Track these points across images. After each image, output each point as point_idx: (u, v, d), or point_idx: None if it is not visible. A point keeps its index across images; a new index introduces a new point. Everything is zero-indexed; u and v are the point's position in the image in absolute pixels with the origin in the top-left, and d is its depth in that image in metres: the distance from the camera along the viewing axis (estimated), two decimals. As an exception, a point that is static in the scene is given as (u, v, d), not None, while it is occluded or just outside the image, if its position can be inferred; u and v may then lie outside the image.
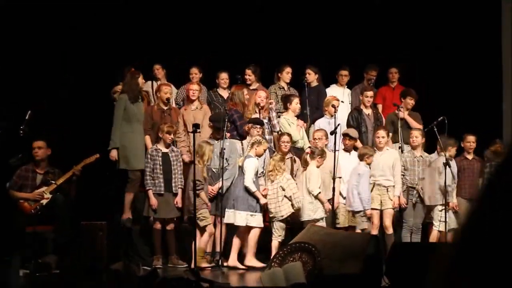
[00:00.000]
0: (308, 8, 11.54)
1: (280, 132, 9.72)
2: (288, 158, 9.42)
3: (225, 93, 10.38)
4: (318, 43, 11.31)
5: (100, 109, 10.09)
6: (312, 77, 10.64)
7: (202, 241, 9.02)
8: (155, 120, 9.63)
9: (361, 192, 9.21)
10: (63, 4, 10.75)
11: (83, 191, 8.91)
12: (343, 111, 10.27)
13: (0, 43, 10.42)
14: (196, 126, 8.71)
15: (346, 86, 10.97)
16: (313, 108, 10.35)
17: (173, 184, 9.19)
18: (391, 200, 9.39)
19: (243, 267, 8.95)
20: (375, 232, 9.23)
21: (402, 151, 9.81)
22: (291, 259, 7.51)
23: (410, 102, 10.34)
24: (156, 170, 9.15)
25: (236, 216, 8.95)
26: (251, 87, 10.44)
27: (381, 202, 9.39)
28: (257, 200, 8.99)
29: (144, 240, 9.41)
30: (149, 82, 10.49)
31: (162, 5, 11.29)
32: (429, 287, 1.16)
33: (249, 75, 10.48)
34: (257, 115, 9.77)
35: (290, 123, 9.85)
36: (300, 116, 10.15)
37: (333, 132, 9.09)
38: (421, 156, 9.65)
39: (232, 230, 9.19)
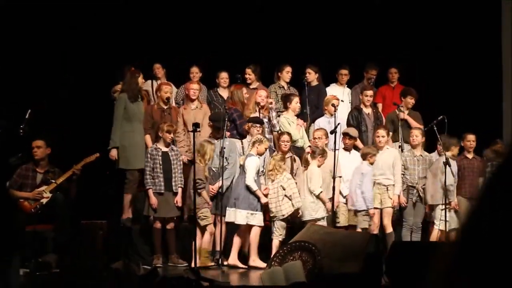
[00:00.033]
0: (308, 8, 11.55)
1: (280, 132, 9.72)
2: (288, 157, 9.42)
3: (225, 93, 10.38)
4: (318, 43, 11.32)
5: (100, 109, 10.09)
6: (312, 76, 10.64)
7: (204, 242, 9.02)
8: (155, 119, 9.63)
9: (364, 192, 9.21)
10: (63, 4, 10.75)
11: (83, 190, 8.91)
12: (343, 110, 10.27)
13: (0, 43, 10.42)
14: (196, 126, 8.73)
15: (346, 85, 10.97)
16: (313, 108, 10.36)
17: (173, 183, 9.19)
18: (391, 199, 9.39)
19: (243, 266, 8.96)
20: (375, 231, 9.23)
21: (402, 150, 9.81)
22: (291, 258, 7.51)
23: (411, 101, 10.34)
24: (156, 169, 9.15)
25: (236, 215, 8.96)
26: (251, 86, 10.45)
27: (381, 201, 9.40)
28: (258, 199, 8.99)
29: (144, 239, 9.41)
30: (149, 81, 10.50)
31: (162, 5, 11.30)
32: (429, 287, 1.15)
33: (249, 74, 10.48)
34: (256, 114, 9.77)
35: (290, 122, 9.85)
36: (300, 115, 10.16)
37: (333, 131, 9.10)
38: (421, 155, 9.65)
39: (232, 229, 9.19)
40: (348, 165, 9.50)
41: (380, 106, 10.86)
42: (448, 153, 9.60)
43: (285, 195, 9.06)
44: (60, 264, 7.63)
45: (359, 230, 9.17)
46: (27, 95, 10.00)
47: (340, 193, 9.47)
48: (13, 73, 10.39)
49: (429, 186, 9.53)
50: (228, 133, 9.33)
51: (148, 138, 9.62)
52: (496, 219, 1.09)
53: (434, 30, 11.58)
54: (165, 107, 9.73)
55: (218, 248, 8.98)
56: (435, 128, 9.62)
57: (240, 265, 8.95)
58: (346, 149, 9.62)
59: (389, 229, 9.32)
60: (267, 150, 9.35)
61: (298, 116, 10.09)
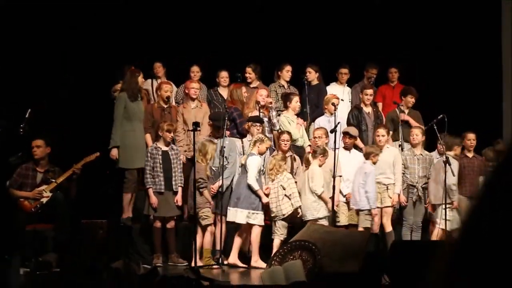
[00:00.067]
0: (308, 7, 11.55)
1: (280, 131, 9.72)
2: (288, 157, 9.42)
3: (225, 92, 10.38)
4: (318, 42, 11.32)
5: (100, 108, 10.09)
6: (312, 75, 10.65)
7: (206, 242, 9.02)
8: (155, 118, 9.63)
9: (368, 191, 9.21)
10: (63, 4, 10.75)
11: (83, 190, 8.90)
12: (343, 110, 10.27)
13: (0, 43, 10.42)
14: (196, 125, 8.73)
15: (346, 84, 10.98)
16: (313, 107, 10.36)
17: (173, 183, 9.19)
18: (390, 198, 9.39)
19: (243, 265, 8.96)
20: (376, 230, 9.23)
21: (402, 149, 9.81)
22: (291, 257, 7.51)
23: (411, 100, 10.35)
24: (156, 169, 9.14)
25: (237, 214, 8.96)
26: (251, 86, 10.45)
27: (380, 200, 9.40)
28: (259, 198, 8.99)
29: (144, 238, 9.41)
30: (149, 80, 10.50)
31: (162, 4, 11.30)
32: (429, 287, 1.15)
33: (250, 74, 10.48)
34: (256, 113, 9.78)
35: (290, 121, 9.85)
36: (300, 114, 10.16)
37: (333, 131, 9.10)
38: (421, 154, 9.65)
39: (232, 228, 9.20)
40: (348, 164, 9.50)
41: (380, 105, 10.87)
42: (451, 153, 9.61)
43: (285, 195, 9.06)
44: (60, 263, 7.61)
45: (360, 229, 9.15)
46: (27, 95, 10.00)
47: (340, 192, 9.47)
48: (13, 73, 10.39)
49: (432, 185, 9.54)
50: (228, 133, 9.33)
51: (148, 137, 9.63)
52: (496, 219, 1.09)
53: (434, 30, 11.59)
54: (165, 106, 9.73)
55: (218, 248, 8.98)
56: (435, 127, 9.63)
57: (240, 264, 8.95)
58: (346, 148, 9.62)
59: (389, 228, 9.32)
60: (268, 149, 9.35)
61: (298, 115, 10.09)
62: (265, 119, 9.78)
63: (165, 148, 9.23)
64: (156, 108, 9.72)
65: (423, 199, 9.66)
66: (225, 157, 9.09)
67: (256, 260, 8.93)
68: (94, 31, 10.83)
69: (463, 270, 1.09)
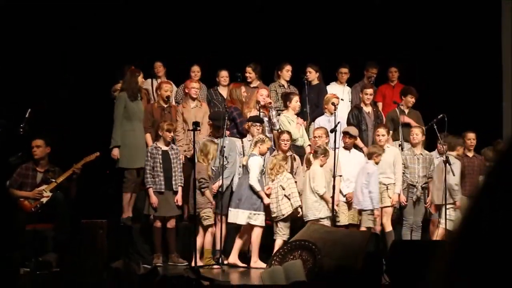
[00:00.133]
0: (308, 7, 11.55)
1: (279, 130, 9.72)
2: (288, 156, 9.41)
3: (225, 91, 10.39)
4: (318, 41, 11.32)
5: (100, 108, 10.10)
6: (313, 75, 10.65)
7: (206, 242, 9.02)
8: (155, 118, 9.64)
9: (372, 191, 9.21)
10: (63, 4, 10.75)
11: (83, 189, 8.90)
12: (343, 109, 10.28)
13: (0, 43, 10.42)
14: (196, 124, 8.74)
15: (346, 84, 10.99)
16: (313, 106, 10.36)
17: (173, 182, 9.20)
18: (390, 198, 9.39)
19: (243, 265, 8.95)
20: (378, 230, 9.23)
21: (402, 149, 9.81)
22: (291, 257, 7.51)
23: (411, 100, 10.35)
24: (156, 168, 9.14)
25: (238, 215, 8.96)
26: (251, 85, 10.45)
27: (381, 200, 9.40)
28: (261, 199, 8.99)
29: (144, 238, 9.41)
30: (149, 80, 10.50)
31: (162, 4, 11.30)
32: (429, 287, 1.15)
33: (250, 73, 10.48)
34: (255, 113, 9.79)
35: (290, 121, 9.86)
36: (300, 114, 10.16)
37: (333, 130, 9.09)
38: (421, 153, 9.65)
39: (233, 228, 9.20)
40: (348, 164, 9.50)
41: (380, 105, 10.87)
42: (453, 153, 9.62)
43: (285, 195, 9.06)
44: (60, 263, 7.62)
45: (363, 229, 9.13)
46: (27, 95, 9.99)
47: (340, 192, 9.46)
48: (13, 73, 10.38)
49: (435, 186, 9.53)
50: (227, 132, 9.33)
51: (148, 137, 9.63)
52: (495, 218, 1.09)
53: (434, 30, 11.59)
54: (165, 106, 9.74)
55: (218, 247, 8.98)
56: (435, 127, 9.63)
57: (240, 264, 8.95)
58: (346, 148, 9.61)
59: (389, 228, 9.32)
60: (268, 149, 9.35)
61: (298, 115, 10.10)
62: (265, 119, 9.78)
63: (165, 148, 9.23)
64: (156, 107, 9.73)
65: (423, 199, 9.66)
66: (225, 157, 9.09)
67: (255, 261, 8.93)
68: (94, 31, 10.83)
69: (463, 270, 1.09)
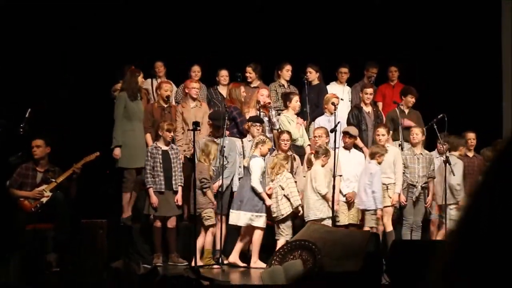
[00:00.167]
0: (309, 6, 11.56)
1: (279, 130, 9.73)
2: (289, 156, 9.41)
3: (224, 91, 10.39)
4: (318, 41, 11.33)
5: (100, 108, 10.10)
6: (313, 75, 10.66)
7: (207, 242, 9.01)
8: (155, 117, 9.64)
9: (375, 191, 9.21)
10: (63, 4, 10.75)
11: (83, 189, 8.90)
12: (343, 109, 10.28)
13: (0, 43, 10.42)
14: (196, 124, 8.74)
15: (346, 84, 10.99)
16: (313, 106, 10.37)
17: (173, 182, 9.20)
18: (390, 198, 9.39)
19: (244, 264, 8.95)
20: (381, 230, 9.23)
21: (402, 149, 9.81)
22: (291, 257, 7.51)
23: (411, 100, 10.34)
24: (157, 168, 9.15)
25: (240, 217, 8.95)
26: (252, 85, 10.46)
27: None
28: (263, 201, 8.99)
29: (144, 238, 9.41)
30: (149, 80, 10.50)
31: (162, 4, 11.30)
32: (429, 287, 1.15)
33: (250, 73, 10.49)
34: (254, 113, 9.79)
35: (290, 121, 9.86)
36: (300, 114, 10.17)
37: (333, 130, 9.09)
38: (421, 153, 9.65)
39: (233, 228, 9.20)
40: (348, 163, 9.50)
41: (380, 105, 10.87)
42: (455, 153, 9.63)
43: (284, 195, 9.06)
44: (60, 263, 7.63)
45: (367, 229, 9.12)
46: (27, 95, 9.99)
47: (340, 192, 9.46)
48: (13, 73, 10.38)
49: (439, 186, 9.54)
50: (227, 132, 9.33)
51: (148, 137, 9.63)
52: (494, 217, 1.09)
53: (434, 30, 11.59)
54: (165, 106, 9.74)
55: (218, 247, 8.98)
56: (435, 127, 9.63)
57: (240, 263, 8.95)
58: (346, 147, 9.61)
59: (389, 227, 9.31)
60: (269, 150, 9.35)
61: (298, 114, 10.10)
62: (265, 119, 9.79)
63: (165, 148, 9.23)
64: (156, 107, 9.73)
65: (423, 199, 9.66)
66: (225, 156, 9.09)
67: (255, 261, 8.93)
68: (94, 31, 10.83)
69: (463, 270, 1.09)
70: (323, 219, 9.02)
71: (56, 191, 8.63)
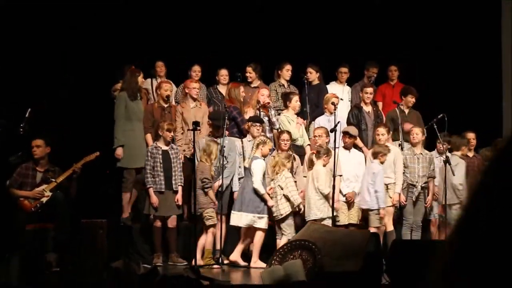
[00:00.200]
0: (309, 6, 11.56)
1: (279, 130, 9.73)
2: (290, 155, 9.41)
3: (224, 90, 10.39)
4: (318, 41, 11.33)
5: (100, 108, 10.10)
6: (313, 76, 10.66)
7: (207, 242, 9.01)
8: (155, 117, 9.64)
9: (378, 191, 9.21)
10: (63, 4, 10.75)
11: (83, 189, 8.90)
12: (343, 109, 10.28)
13: (0, 43, 10.41)
14: (196, 124, 8.74)
15: (345, 84, 10.99)
16: (313, 106, 10.37)
17: (173, 182, 9.20)
18: (391, 197, 9.39)
19: (244, 263, 8.95)
20: (384, 230, 9.24)
21: (402, 149, 9.81)
22: (291, 256, 7.51)
23: (411, 100, 10.34)
24: (157, 168, 9.15)
25: (242, 218, 8.95)
26: (252, 85, 10.47)
27: (381, 199, 9.41)
28: (265, 202, 8.99)
29: (144, 238, 9.41)
30: (149, 80, 10.50)
31: (162, 4, 11.30)
32: (429, 287, 1.15)
33: (250, 73, 10.50)
34: (253, 113, 9.79)
35: (289, 120, 9.86)
36: (300, 114, 10.17)
37: (333, 130, 9.09)
38: (421, 153, 9.65)
39: (233, 228, 9.20)
40: (348, 163, 9.50)
41: (380, 104, 10.87)
42: (458, 153, 9.62)
43: (283, 195, 9.06)
44: (60, 263, 7.62)
45: (373, 229, 9.12)
46: (27, 95, 9.99)
47: (340, 191, 9.46)
48: (13, 73, 10.38)
49: (442, 186, 9.53)
50: (226, 132, 9.33)
51: (149, 137, 9.63)
52: (493, 217, 1.09)
53: (434, 30, 11.59)
54: (165, 106, 9.74)
55: (218, 247, 8.98)
56: (435, 127, 9.63)
57: (242, 262, 8.94)
58: (346, 147, 9.61)
59: (390, 227, 9.32)
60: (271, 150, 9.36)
61: (298, 114, 10.10)
62: (265, 119, 9.79)
63: (165, 148, 9.23)
64: (156, 107, 9.73)
65: (423, 199, 9.66)
66: (225, 156, 9.09)
67: (255, 261, 8.93)
68: (94, 31, 10.82)
69: (463, 270, 1.09)
70: (324, 218, 9.02)
71: (56, 191, 8.63)
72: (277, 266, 7.37)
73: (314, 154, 9.29)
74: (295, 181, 9.28)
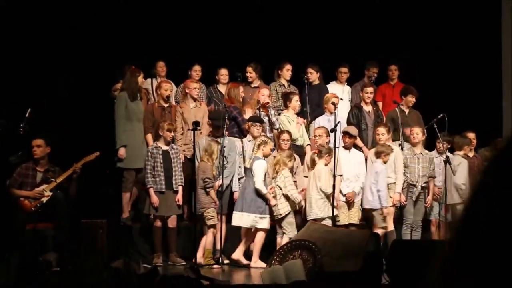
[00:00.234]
0: (309, 6, 11.56)
1: (279, 130, 9.73)
2: (292, 154, 9.41)
3: (224, 89, 10.40)
4: (318, 41, 11.33)
5: (100, 108, 10.10)
6: (314, 76, 10.67)
7: (208, 242, 9.01)
8: (155, 117, 9.64)
9: (380, 190, 9.21)
10: (63, 4, 10.75)
11: (83, 189, 8.91)
12: (343, 109, 10.28)
13: (0, 43, 10.41)
14: (197, 124, 8.75)
15: (345, 83, 10.99)
16: (314, 106, 10.37)
17: (173, 182, 9.20)
18: (391, 197, 9.39)
19: (247, 262, 8.95)
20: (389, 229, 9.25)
21: (402, 149, 9.81)
22: (292, 256, 7.51)
23: (411, 100, 10.33)
24: (157, 168, 9.15)
25: (243, 218, 8.95)
26: (252, 85, 10.47)
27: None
28: (266, 202, 8.99)
29: (144, 238, 9.42)
30: (149, 80, 10.49)
31: (162, 4, 11.30)
32: (429, 287, 1.15)
33: (250, 73, 10.50)
34: (253, 113, 9.79)
35: (290, 120, 9.87)
36: (300, 113, 10.17)
37: (333, 130, 9.10)
38: (421, 153, 9.65)
39: (234, 228, 9.20)
40: (348, 163, 9.50)
41: (380, 104, 10.87)
42: (460, 152, 9.61)
43: (283, 194, 9.07)
44: (60, 262, 7.61)
45: (379, 229, 9.13)
46: (27, 95, 9.99)
47: (340, 191, 9.46)
48: (13, 73, 10.38)
49: (445, 186, 9.53)
50: (226, 132, 9.33)
51: (149, 137, 9.62)
52: (493, 217, 1.09)
53: (434, 30, 11.59)
54: (166, 106, 9.74)
55: (218, 247, 8.98)
56: (435, 126, 9.63)
57: (244, 261, 8.94)
58: (346, 147, 9.62)
59: (391, 227, 9.32)
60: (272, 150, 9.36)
61: (298, 114, 10.10)
62: (265, 119, 9.79)
63: (165, 148, 9.23)
64: (157, 107, 9.73)
65: (423, 199, 9.66)
66: (225, 156, 9.09)
67: (255, 261, 8.93)
68: (94, 31, 10.82)
69: (463, 270, 1.09)
70: (324, 218, 9.03)
71: (56, 190, 8.64)
72: (277, 266, 7.37)
73: (316, 154, 9.29)
74: (295, 181, 9.28)
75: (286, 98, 10.11)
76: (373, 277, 6.91)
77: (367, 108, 10.29)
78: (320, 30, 11.46)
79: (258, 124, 9.45)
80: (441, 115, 9.72)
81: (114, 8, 10.95)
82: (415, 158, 9.60)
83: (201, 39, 11.20)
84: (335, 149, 9.12)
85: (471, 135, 9.98)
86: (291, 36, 11.30)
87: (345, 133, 9.57)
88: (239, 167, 9.44)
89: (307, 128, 10.18)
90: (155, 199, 9.08)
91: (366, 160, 9.71)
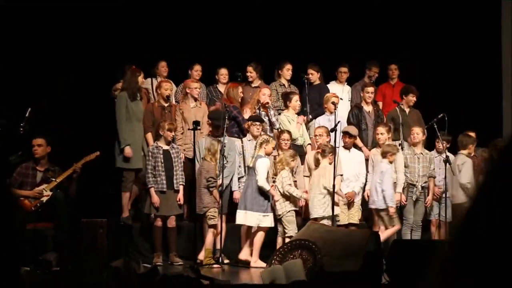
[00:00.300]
0: (309, 6, 11.56)
1: (280, 130, 9.73)
2: (296, 153, 9.41)
3: (224, 89, 10.39)
4: (318, 41, 11.33)
5: (100, 108, 10.10)
6: (314, 76, 10.68)
7: (208, 242, 9.01)
8: (156, 117, 9.64)
9: (385, 190, 9.21)
10: (63, 4, 10.75)
11: (83, 189, 8.91)
12: (343, 109, 10.28)
13: (0, 43, 10.42)
14: (197, 124, 8.74)
15: (345, 83, 10.99)
16: (314, 106, 10.38)
17: (174, 181, 9.20)
18: (392, 197, 9.40)
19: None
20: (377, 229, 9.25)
21: (402, 148, 9.81)
22: (292, 256, 7.51)
23: (412, 99, 10.33)
24: (158, 168, 9.15)
25: (247, 217, 8.95)
26: (252, 85, 10.48)
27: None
28: (269, 199, 8.99)
29: (144, 237, 9.41)
30: (149, 79, 10.49)
31: (162, 4, 11.30)
32: (429, 287, 1.15)
33: (251, 72, 10.51)
34: (252, 113, 9.79)
35: (290, 120, 9.87)
36: (300, 113, 10.17)
37: (333, 130, 9.10)
38: (422, 153, 9.65)
39: (234, 228, 9.21)
40: (348, 163, 9.50)
41: (380, 104, 10.87)
42: (464, 151, 9.62)
43: (282, 194, 9.07)
44: (60, 262, 7.61)
45: (391, 230, 9.14)
46: (27, 95, 10.00)
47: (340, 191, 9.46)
48: (13, 73, 10.38)
49: (449, 185, 9.53)
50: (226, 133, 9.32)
51: (149, 136, 9.62)
52: (493, 217, 1.09)
53: (434, 30, 11.59)
54: (166, 105, 9.74)
55: (218, 247, 8.98)
56: (435, 126, 9.63)
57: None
58: (346, 147, 9.62)
59: (398, 225, 9.31)
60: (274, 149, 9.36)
61: (298, 114, 10.10)
62: (265, 119, 9.79)
63: (166, 147, 9.23)
64: (157, 107, 9.73)
65: (423, 199, 9.66)
66: (225, 156, 9.09)
67: (255, 261, 8.93)
68: (94, 31, 10.82)
69: (463, 270, 1.09)
70: (326, 217, 9.03)
71: (56, 190, 8.64)
72: (277, 265, 7.37)
73: (319, 153, 9.30)
74: (295, 181, 9.28)
75: (286, 98, 10.11)
76: (373, 277, 6.91)
77: (368, 108, 10.29)
78: (320, 30, 11.46)
79: (258, 123, 9.45)
80: (441, 115, 9.72)
81: (114, 8, 10.95)
82: (415, 158, 9.60)
83: (201, 39, 11.20)
84: (335, 149, 9.12)
85: (471, 135, 9.97)
86: (291, 36, 11.31)
87: (345, 133, 9.58)
88: (239, 166, 9.44)
89: (307, 127, 10.18)
90: (156, 199, 9.08)
91: (366, 160, 9.71)
